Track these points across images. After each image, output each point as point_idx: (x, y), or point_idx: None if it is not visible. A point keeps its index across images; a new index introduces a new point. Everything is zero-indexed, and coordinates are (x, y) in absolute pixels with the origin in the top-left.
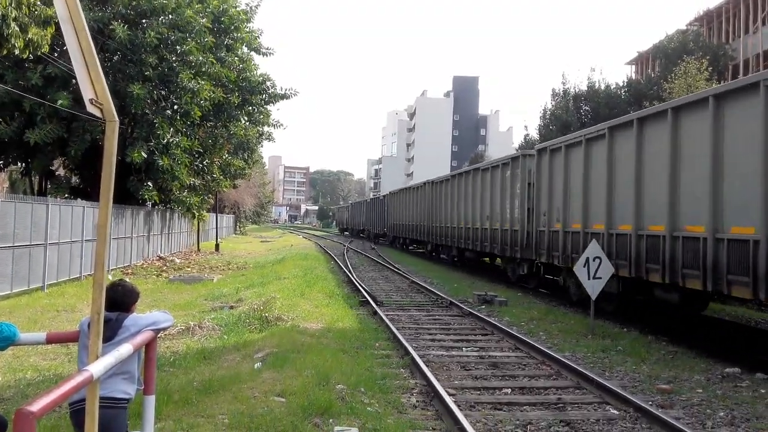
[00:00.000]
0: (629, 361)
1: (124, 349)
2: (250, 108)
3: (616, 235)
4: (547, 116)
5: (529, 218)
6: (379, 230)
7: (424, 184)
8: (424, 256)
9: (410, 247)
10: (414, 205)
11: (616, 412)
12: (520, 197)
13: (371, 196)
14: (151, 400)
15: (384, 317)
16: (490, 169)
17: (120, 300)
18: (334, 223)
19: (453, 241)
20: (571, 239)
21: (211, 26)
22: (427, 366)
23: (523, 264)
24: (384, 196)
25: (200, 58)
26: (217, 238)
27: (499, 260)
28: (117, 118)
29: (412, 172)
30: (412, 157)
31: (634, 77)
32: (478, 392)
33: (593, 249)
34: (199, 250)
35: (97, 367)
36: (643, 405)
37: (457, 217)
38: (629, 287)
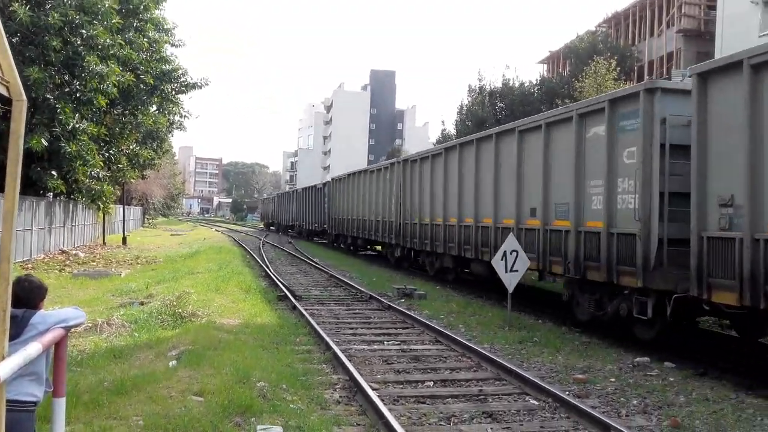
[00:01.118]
0: (545, 352)
1: (33, 349)
2: (160, 95)
3: None
4: (464, 112)
5: (677, 211)
6: (315, 226)
7: (392, 164)
8: (383, 262)
9: (360, 250)
10: (371, 194)
11: (535, 402)
12: (643, 171)
13: (287, 188)
14: (61, 403)
15: (304, 312)
16: (543, 128)
17: (26, 296)
18: (250, 216)
19: (445, 246)
20: None
21: (118, 7)
22: (349, 361)
23: (647, 298)
24: (324, 184)
25: (108, 40)
26: (124, 231)
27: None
28: (25, 98)
29: (328, 165)
30: (329, 150)
31: (546, 76)
32: (401, 386)
33: (510, 242)
34: (104, 243)
35: (3, 369)
36: (561, 395)
37: (457, 211)
38: None
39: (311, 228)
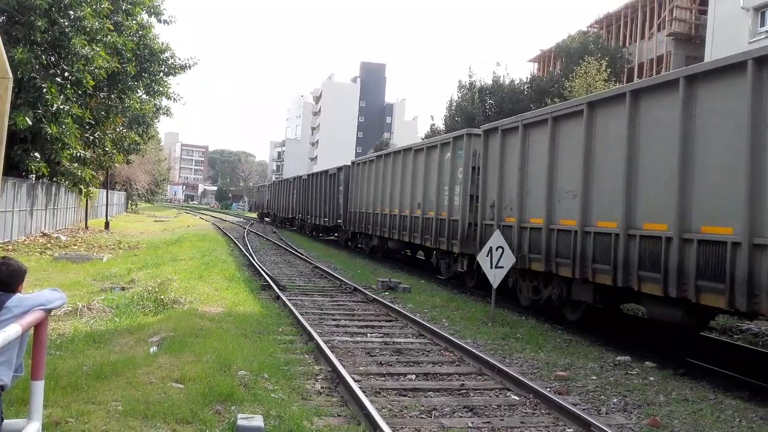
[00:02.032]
0: (528, 349)
1: (12, 331)
2: (148, 78)
3: None
4: (453, 107)
5: None
6: (325, 221)
7: (458, 138)
8: (422, 273)
9: (390, 254)
10: (416, 181)
11: (516, 398)
12: None
13: (274, 178)
14: (39, 386)
15: (287, 302)
16: None
17: (5, 280)
18: (235, 205)
19: (581, 265)
20: None
21: None
22: (332, 352)
23: None
24: (340, 168)
25: (96, 24)
26: (107, 216)
27: None
28: (11, 75)
29: (316, 156)
30: (317, 141)
31: (536, 74)
32: (383, 378)
33: (496, 238)
34: (86, 227)
35: None
36: (542, 391)
37: (623, 208)
38: None
39: (318, 222)
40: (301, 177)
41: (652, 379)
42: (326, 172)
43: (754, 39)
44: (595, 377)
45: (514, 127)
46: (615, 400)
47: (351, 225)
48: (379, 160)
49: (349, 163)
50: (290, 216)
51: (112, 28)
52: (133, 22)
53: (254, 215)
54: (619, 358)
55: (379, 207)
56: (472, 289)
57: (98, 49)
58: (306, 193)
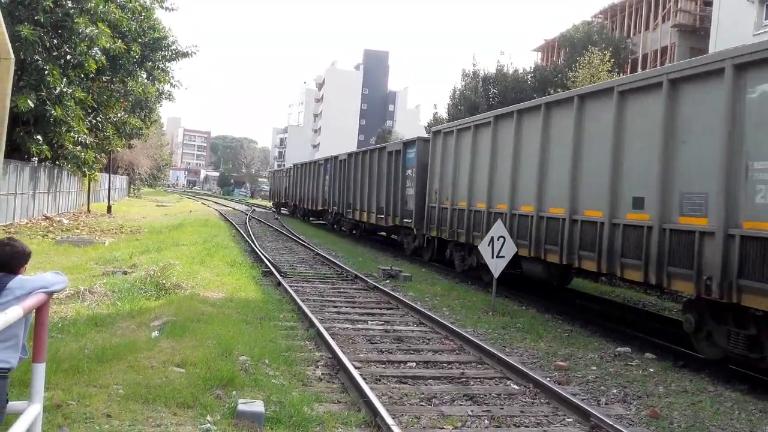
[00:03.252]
0: (528, 338)
1: (13, 313)
2: (150, 64)
3: None
4: (457, 96)
5: None
6: (380, 218)
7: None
8: None
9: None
10: (662, 150)
11: (516, 387)
12: None
13: (276, 165)
14: (41, 369)
15: (288, 288)
16: None
17: (7, 261)
18: (237, 191)
19: None
20: None
21: None
22: (332, 338)
23: None
24: (409, 142)
25: (101, 7)
26: (109, 200)
27: None
28: (12, 56)
29: (318, 143)
30: (320, 128)
31: (540, 63)
32: (384, 366)
33: (497, 228)
34: (89, 211)
35: None
36: (542, 381)
37: None
38: None
39: (367, 220)
40: (337, 157)
41: (651, 370)
42: (383, 148)
43: (759, 31)
44: (595, 368)
45: None
46: (615, 391)
47: (431, 228)
48: (504, 122)
49: (426, 135)
50: (319, 208)
51: (117, 12)
52: (136, 3)
53: (256, 201)
54: (619, 349)
55: (506, 202)
56: None
57: (103, 27)
58: (346, 180)
